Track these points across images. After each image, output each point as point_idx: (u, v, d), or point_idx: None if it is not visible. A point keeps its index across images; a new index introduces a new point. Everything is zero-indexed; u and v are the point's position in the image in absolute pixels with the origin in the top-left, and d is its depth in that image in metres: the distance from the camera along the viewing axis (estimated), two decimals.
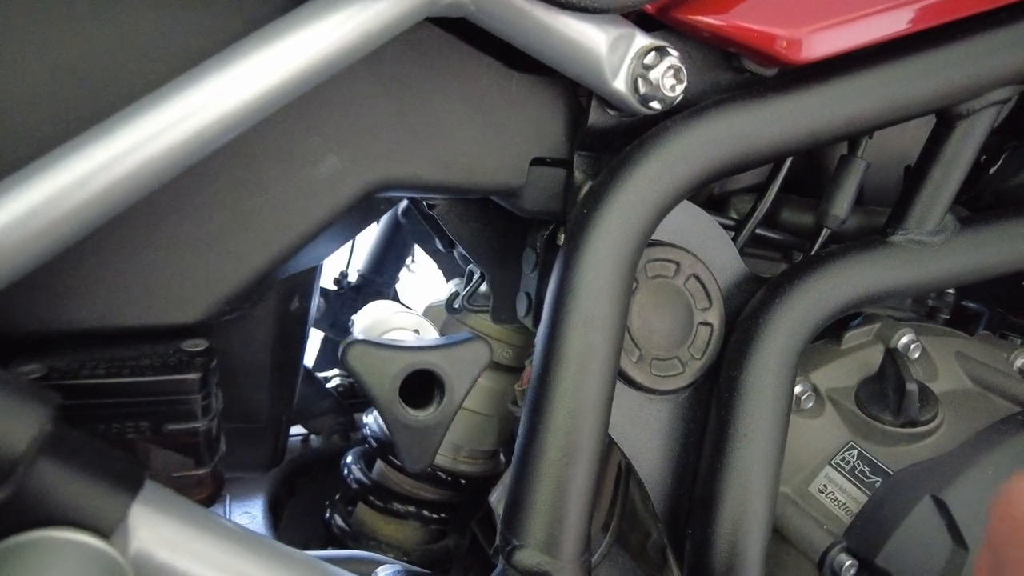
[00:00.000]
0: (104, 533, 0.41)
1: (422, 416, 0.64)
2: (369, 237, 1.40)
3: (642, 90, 0.59)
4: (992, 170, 0.86)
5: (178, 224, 0.53)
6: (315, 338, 1.37)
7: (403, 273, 1.46)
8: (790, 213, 0.83)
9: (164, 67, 0.48)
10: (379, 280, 1.37)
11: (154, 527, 0.44)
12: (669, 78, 0.59)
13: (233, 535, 0.47)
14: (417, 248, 1.39)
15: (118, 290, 0.53)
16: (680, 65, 0.59)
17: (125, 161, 0.42)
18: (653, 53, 0.58)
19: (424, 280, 1.50)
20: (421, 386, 0.65)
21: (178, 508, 0.46)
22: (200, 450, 0.55)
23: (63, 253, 0.45)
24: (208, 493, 0.58)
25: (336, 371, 1.30)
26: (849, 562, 0.63)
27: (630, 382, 0.66)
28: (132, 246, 0.53)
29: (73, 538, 0.40)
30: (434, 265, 1.29)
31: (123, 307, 0.53)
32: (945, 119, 0.69)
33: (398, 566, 0.69)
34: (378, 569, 0.69)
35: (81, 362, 0.51)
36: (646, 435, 0.67)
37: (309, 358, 1.39)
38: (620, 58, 0.58)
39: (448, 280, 1.15)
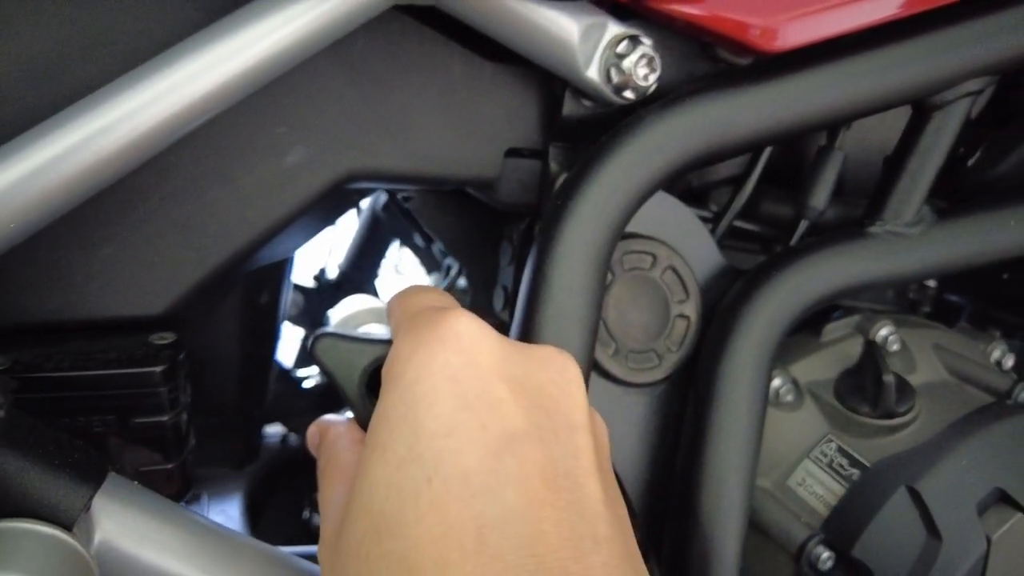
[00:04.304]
0: (65, 524, 0.40)
1: None
2: (348, 233, 1.39)
3: (615, 79, 0.58)
4: (970, 162, 0.86)
5: (141, 215, 0.52)
6: (295, 337, 1.36)
7: (392, 276, 1.44)
8: (769, 204, 0.83)
9: (124, 57, 0.47)
10: (359, 276, 1.36)
11: (118, 519, 0.43)
12: (642, 67, 0.58)
13: (201, 527, 0.47)
14: (406, 250, 1.38)
15: (80, 282, 0.52)
16: (653, 54, 0.59)
17: (84, 151, 0.41)
18: (626, 42, 0.58)
19: (412, 282, 1.48)
20: None
21: (143, 500, 0.45)
22: (167, 444, 0.54)
23: (24, 245, 0.44)
24: (177, 488, 0.57)
25: (315, 369, 1.28)
26: (826, 554, 0.63)
27: (606, 375, 0.65)
28: (94, 237, 0.52)
29: (32, 529, 0.39)
30: (423, 269, 1.28)
31: (86, 299, 0.52)
32: (920, 110, 0.69)
33: None
34: None
35: (46, 355, 0.51)
36: (622, 429, 0.67)
37: (288, 357, 1.37)
38: (592, 47, 0.58)
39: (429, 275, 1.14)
